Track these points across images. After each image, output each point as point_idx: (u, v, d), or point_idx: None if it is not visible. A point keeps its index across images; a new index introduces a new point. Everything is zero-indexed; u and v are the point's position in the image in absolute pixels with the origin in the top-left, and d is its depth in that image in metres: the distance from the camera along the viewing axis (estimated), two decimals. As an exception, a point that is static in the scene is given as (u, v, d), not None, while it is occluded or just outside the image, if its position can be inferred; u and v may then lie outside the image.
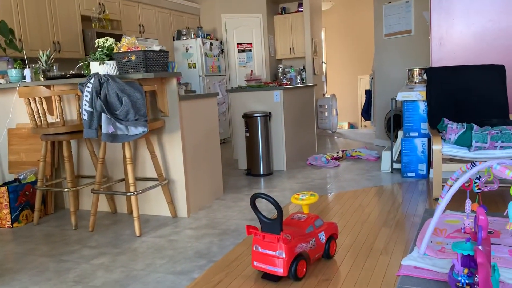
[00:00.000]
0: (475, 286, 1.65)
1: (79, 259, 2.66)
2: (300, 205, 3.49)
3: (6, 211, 3.34)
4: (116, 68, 3.13)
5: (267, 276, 2.22)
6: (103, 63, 3.11)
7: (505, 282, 1.98)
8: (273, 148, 4.89)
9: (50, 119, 3.66)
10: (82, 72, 3.36)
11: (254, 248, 2.21)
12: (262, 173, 4.66)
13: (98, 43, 3.17)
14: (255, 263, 2.22)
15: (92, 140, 3.56)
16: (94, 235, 3.08)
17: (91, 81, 2.80)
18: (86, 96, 2.80)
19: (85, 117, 2.83)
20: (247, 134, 4.66)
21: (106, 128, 2.82)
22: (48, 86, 3.29)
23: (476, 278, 1.64)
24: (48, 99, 3.59)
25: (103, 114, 2.81)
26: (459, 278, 1.72)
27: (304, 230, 2.27)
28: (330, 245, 2.41)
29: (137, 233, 3.00)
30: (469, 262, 1.76)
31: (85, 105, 2.81)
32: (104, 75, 2.82)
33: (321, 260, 2.42)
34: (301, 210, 3.42)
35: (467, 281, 1.70)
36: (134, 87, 2.87)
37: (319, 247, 2.33)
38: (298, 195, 2.46)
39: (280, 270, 2.12)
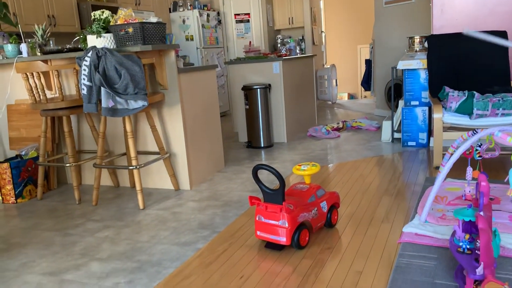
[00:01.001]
0: (476, 251, 1.68)
1: (84, 232, 2.70)
2: (302, 176, 3.51)
3: (9, 187, 3.36)
4: (113, 41, 3.08)
5: (270, 245, 2.25)
6: (100, 36, 3.06)
7: (505, 247, 2.01)
8: (273, 120, 4.88)
9: (49, 94, 3.63)
10: (79, 46, 3.31)
11: (257, 218, 2.24)
12: (262, 145, 4.67)
13: (94, 16, 3.11)
14: (258, 232, 2.24)
15: (92, 114, 3.54)
16: (97, 209, 3.11)
17: (89, 55, 2.76)
18: (84, 70, 2.77)
19: (84, 91, 2.80)
20: (247, 107, 4.64)
21: (105, 102, 2.80)
22: (45, 61, 3.25)
23: (477, 243, 1.67)
24: (46, 74, 3.56)
25: (102, 88, 2.78)
26: (460, 244, 1.75)
27: (306, 200, 2.29)
28: (332, 214, 2.44)
29: (141, 206, 3.03)
30: (470, 228, 1.78)
31: (84, 79, 2.78)
32: (102, 49, 2.78)
33: (323, 229, 2.45)
34: (303, 180, 3.45)
35: (468, 247, 1.73)
36: (133, 60, 2.84)
37: (321, 216, 2.36)
38: (300, 165, 2.47)
39: (283, 239, 2.15)
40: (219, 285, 1.95)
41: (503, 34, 3.64)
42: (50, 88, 3.61)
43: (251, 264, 2.11)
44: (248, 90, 4.59)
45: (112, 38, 3.08)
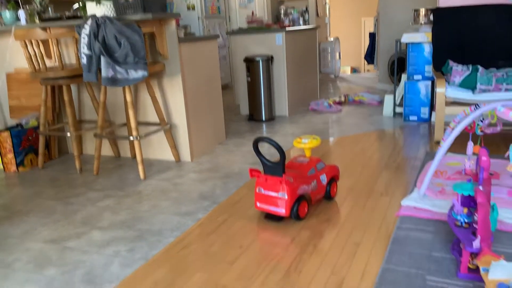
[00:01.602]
0: (474, 225, 1.69)
1: (85, 201, 2.72)
2: (302, 149, 3.51)
3: (10, 155, 3.37)
4: (113, 9, 3.03)
5: (270, 216, 2.27)
6: (100, 4, 3.00)
7: (503, 221, 2.03)
8: (275, 93, 4.85)
9: (49, 63, 3.59)
10: (79, 14, 3.26)
11: (257, 190, 2.25)
12: (264, 119, 4.65)
13: (93, -18, 3.04)
14: (258, 204, 2.26)
15: (93, 84, 3.51)
16: (98, 179, 3.13)
17: (89, 23, 2.71)
18: (84, 38, 2.73)
19: (84, 60, 2.77)
20: (249, 79, 4.60)
21: (105, 71, 2.77)
22: (44, 29, 3.20)
23: (475, 217, 1.68)
24: (45, 42, 3.51)
25: (102, 57, 2.75)
26: (458, 218, 1.76)
27: (306, 173, 2.30)
28: (331, 187, 2.45)
29: (142, 177, 3.05)
30: (469, 202, 1.79)
31: (83, 48, 2.75)
32: (102, 17, 2.73)
33: (322, 201, 2.47)
34: (304, 154, 3.45)
35: (466, 220, 1.74)
36: (133, 29, 2.79)
37: (321, 188, 2.37)
38: (300, 138, 2.47)
39: (282, 211, 2.17)
40: (219, 254, 1.98)
41: (509, 8, 3.56)
42: (49, 57, 3.57)
43: (250, 235, 2.14)
44: (250, 62, 4.54)
45: (112, 6, 3.02)
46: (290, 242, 2.04)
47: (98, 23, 2.72)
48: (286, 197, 2.15)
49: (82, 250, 2.10)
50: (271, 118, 4.69)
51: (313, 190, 2.30)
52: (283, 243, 2.03)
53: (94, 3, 3.00)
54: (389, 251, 1.87)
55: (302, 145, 2.43)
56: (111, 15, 3.02)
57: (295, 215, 2.19)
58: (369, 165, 3.02)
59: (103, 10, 3.01)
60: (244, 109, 5.03)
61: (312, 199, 2.31)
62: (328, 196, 2.44)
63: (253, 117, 4.68)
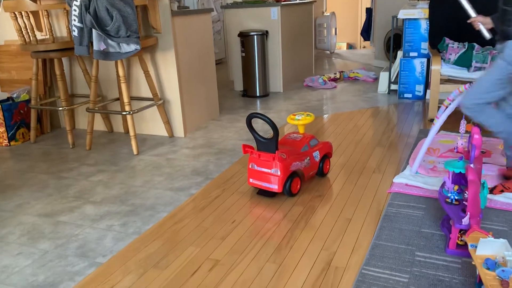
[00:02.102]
0: (464, 202, 1.71)
1: (78, 176, 2.72)
2: (296, 125, 3.50)
3: (2, 129, 3.34)
4: (105, -20, 2.95)
5: (263, 192, 2.28)
6: (91, -25, 2.92)
7: (492, 198, 2.05)
8: (270, 69, 4.80)
9: (39, 35, 3.52)
10: (69, -15, 3.17)
11: (250, 166, 2.25)
12: (258, 95, 4.62)
13: (83, -48, 2.95)
14: (251, 180, 2.27)
15: (84, 58, 3.46)
16: (91, 153, 3.12)
17: (79, -6, 2.65)
18: (75, 10, 2.67)
19: (75, 33, 2.72)
20: (243, 54, 4.55)
21: (97, 45, 2.72)
22: (34, 0, 3.13)
23: (465, 194, 1.70)
24: (36, 14, 3.44)
25: (93, 30, 2.70)
26: (449, 195, 1.78)
27: (299, 149, 2.30)
28: (324, 164, 2.46)
29: (135, 152, 3.04)
30: (460, 179, 1.81)
31: (74, 20, 2.69)
32: (92, -12, 2.66)
33: (315, 178, 2.48)
34: (297, 130, 3.45)
35: (456, 197, 1.76)
36: (124, 1, 2.73)
37: (314, 165, 2.38)
38: (294, 115, 2.46)
39: (275, 187, 2.18)
40: (212, 229, 1.99)
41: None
42: (40, 29, 3.50)
43: (243, 210, 2.15)
44: (244, 37, 4.48)
45: (103, -23, 2.94)
46: (282, 217, 2.06)
47: (89, -6, 2.65)
48: (279, 173, 2.15)
49: (75, 224, 2.11)
50: (265, 94, 4.66)
51: (306, 166, 2.31)
52: (275, 219, 2.05)
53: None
54: (379, 227, 1.90)
55: (295, 121, 2.43)
56: (103, -13, 2.95)
57: (287, 191, 2.21)
58: (363, 142, 3.03)
59: (94, -19, 2.93)
60: (238, 85, 5.00)
61: (305, 175, 2.32)
62: (321, 172, 2.45)
63: (247, 93, 4.65)
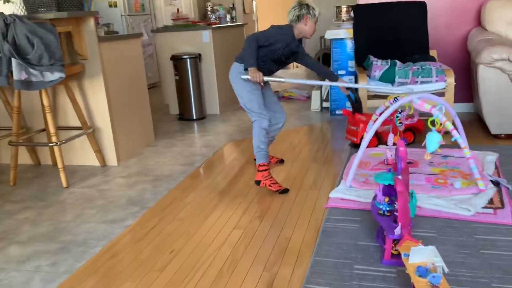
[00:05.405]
0: (395, 213, 1.77)
1: (2, 214, 2.52)
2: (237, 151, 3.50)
3: None
4: (24, 7, 2.82)
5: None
6: (8, 2, 2.79)
7: (421, 206, 2.15)
8: (205, 91, 4.79)
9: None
10: (-16, 12, 2.99)
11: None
12: (194, 117, 4.58)
13: (-1, -22, 2.81)
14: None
15: (5, 88, 3.25)
16: (16, 189, 2.91)
17: (-5, 21, 2.50)
18: (-9, 39, 2.51)
19: (-8, 62, 2.55)
20: (177, 78, 4.51)
21: (18, 74, 2.57)
22: None
23: (395, 205, 1.76)
24: None
25: (13, 59, 2.55)
26: (381, 206, 1.84)
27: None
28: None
29: (64, 185, 2.87)
30: (389, 191, 1.88)
31: (-9, 49, 2.53)
32: (10, 15, 2.53)
33: (254, 199, 2.47)
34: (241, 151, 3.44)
35: (387, 209, 1.82)
36: (46, 28, 2.62)
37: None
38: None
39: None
40: (149, 261, 1.91)
41: (423, 5, 3.79)
42: (-47, 59, 3.26)
43: (182, 238, 2.09)
44: (177, 60, 4.44)
45: (22, 4, 2.81)
46: (223, 243, 2.02)
47: (7, 22, 2.51)
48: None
49: (-2, 269, 1.94)
50: (202, 117, 4.63)
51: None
52: (215, 245, 2.01)
53: (1, 1, 2.78)
54: (318, 243, 1.92)
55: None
56: (22, 14, 2.81)
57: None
58: (298, 160, 3.08)
59: (12, 8, 2.80)
60: (174, 109, 4.93)
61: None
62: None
63: (184, 116, 4.60)
